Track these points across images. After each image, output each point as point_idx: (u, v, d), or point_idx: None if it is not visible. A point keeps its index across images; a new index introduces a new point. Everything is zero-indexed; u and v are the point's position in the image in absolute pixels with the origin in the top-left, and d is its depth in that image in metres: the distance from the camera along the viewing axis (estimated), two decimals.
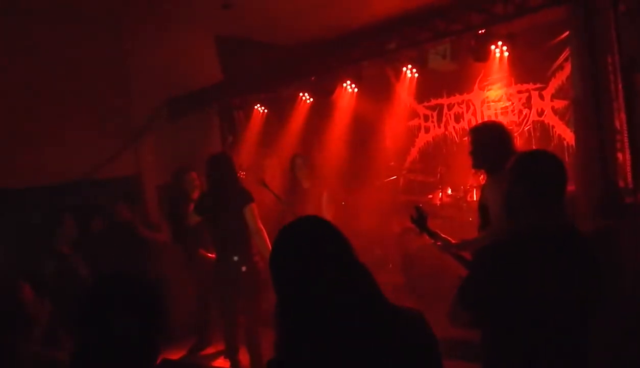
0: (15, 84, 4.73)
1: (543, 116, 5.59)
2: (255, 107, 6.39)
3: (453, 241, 2.88)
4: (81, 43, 5.21)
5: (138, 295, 1.33)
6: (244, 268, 3.79)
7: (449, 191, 5.75)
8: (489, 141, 2.96)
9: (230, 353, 4.12)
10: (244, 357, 4.10)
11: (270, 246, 3.91)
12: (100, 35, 5.44)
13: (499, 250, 1.90)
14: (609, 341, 2.24)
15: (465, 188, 5.57)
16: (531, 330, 1.79)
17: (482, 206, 2.99)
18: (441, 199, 5.71)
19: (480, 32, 4.42)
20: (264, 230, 3.85)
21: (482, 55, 4.64)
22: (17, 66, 4.75)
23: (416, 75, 5.78)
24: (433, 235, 2.84)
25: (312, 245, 1.33)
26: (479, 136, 3.04)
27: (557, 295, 1.79)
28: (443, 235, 2.87)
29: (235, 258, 3.80)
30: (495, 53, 4.85)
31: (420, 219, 2.83)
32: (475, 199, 5.30)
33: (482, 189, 3.11)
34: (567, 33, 4.63)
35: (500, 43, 4.71)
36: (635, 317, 2.22)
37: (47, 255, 3.97)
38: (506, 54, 4.90)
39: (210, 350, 4.93)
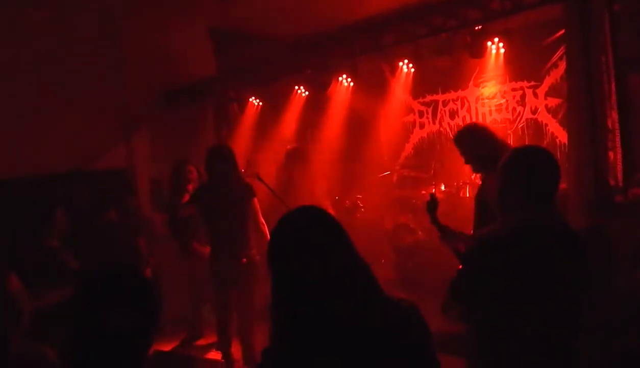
0: (5, 74, 4.67)
1: (537, 114, 5.62)
2: (250, 99, 6.36)
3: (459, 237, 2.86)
4: (74, 33, 5.16)
5: (132, 287, 1.33)
6: (244, 261, 3.81)
7: (443, 187, 5.78)
8: (477, 143, 3.00)
9: (223, 346, 4.13)
10: (236, 350, 4.12)
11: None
12: (93, 26, 5.39)
13: (490, 244, 1.91)
14: (600, 336, 2.27)
15: (458, 184, 5.60)
16: (520, 324, 1.81)
17: (482, 202, 2.99)
18: (434, 195, 5.73)
19: (476, 28, 4.43)
20: (265, 225, 3.87)
21: (478, 51, 4.65)
22: (8, 56, 4.69)
23: (412, 70, 5.79)
24: (441, 227, 2.84)
25: (310, 235, 1.32)
26: (465, 143, 3.09)
27: (547, 290, 1.81)
28: (451, 229, 2.87)
29: (235, 251, 3.81)
30: (491, 50, 4.87)
31: (432, 206, 2.84)
32: (468, 195, 5.34)
33: (483, 185, 3.11)
34: (562, 31, 4.66)
35: (496, 40, 4.73)
36: (626, 312, 2.26)
37: (34, 247, 3.92)
38: (502, 50, 4.91)
39: (202, 342, 4.93)
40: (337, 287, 1.29)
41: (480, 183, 3.36)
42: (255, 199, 3.92)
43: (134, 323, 1.28)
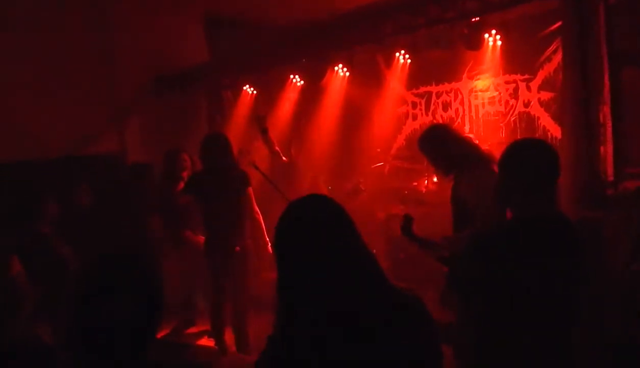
0: None
1: (529, 107, 5.64)
2: (244, 88, 6.31)
3: (438, 243, 2.87)
4: (67, 18, 5.09)
5: (136, 274, 1.31)
6: (237, 249, 3.81)
7: (435, 179, 5.81)
8: (442, 143, 2.97)
9: (216, 334, 4.14)
10: (229, 337, 4.13)
11: (264, 230, 3.96)
12: (85, 11, 5.32)
13: (491, 236, 1.93)
14: (598, 329, 2.31)
15: (450, 176, 5.63)
16: (519, 317, 1.83)
17: (459, 201, 2.96)
18: (427, 186, 5.77)
19: (473, 20, 4.42)
20: (259, 214, 3.89)
21: (475, 43, 4.65)
22: None
23: (409, 61, 5.77)
24: (420, 241, 2.84)
25: (317, 223, 1.32)
26: (429, 146, 3.05)
27: (547, 283, 1.83)
28: (430, 240, 2.87)
29: (229, 240, 3.81)
30: (488, 42, 4.86)
31: (407, 226, 2.82)
32: None
33: (456, 186, 3.03)
34: (557, 25, 4.68)
35: (493, 32, 4.72)
36: (624, 305, 2.31)
37: (25, 233, 3.87)
38: (499, 43, 4.91)
39: (193, 330, 4.93)
40: (343, 275, 1.29)
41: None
42: (250, 189, 3.93)
43: (137, 309, 1.26)
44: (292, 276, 1.32)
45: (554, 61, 5.19)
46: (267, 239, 4.03)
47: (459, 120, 6.14)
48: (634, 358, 2.04)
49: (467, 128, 6.05)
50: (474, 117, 6.06)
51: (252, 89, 6.33)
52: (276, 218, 1.38)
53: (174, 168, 4.63)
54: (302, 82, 6.14)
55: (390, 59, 5.93)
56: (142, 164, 4.95)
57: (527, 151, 1.99)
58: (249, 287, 3.99)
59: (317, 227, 1.32)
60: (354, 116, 6.61)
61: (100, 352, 1.25)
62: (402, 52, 5.58)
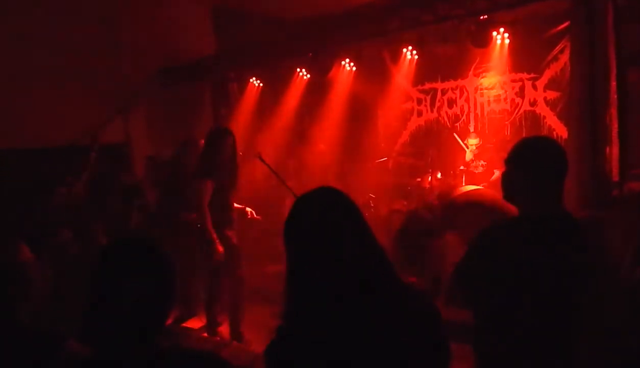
0: (5, 50, 4.61)
1: (535, 106, 5.64)
2: (251, 80, 6.31)
3: None
4: (72, 9, 5.08)
5: (152, 258, 1.31)
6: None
7: (439, 176, 5.82)
8: None
9: (210, 324, 4.17)
10: (224, 329, 4.15)
11: (209, 226, 3.77)
12: (92, 1, 5.31)
13: (496, 233, 1.93)
14: (601, 334, 2.31)
15: (455, 173, 5.64)
16: (520, 313, 1.84)
17: None
18: (430, 182, 5.77)
19: (482, 17, 4.41)
20: (205, 209, 3.74)
21: (482, 41, 4.63)
22: (6, 29, 4.62)
23: (416, 57, 5.76)
24: None
25: (328, 216, 1.31)
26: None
27: (548, 281, 1.84)
28: None
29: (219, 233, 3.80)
30: (496, 40, 4.85)
31: None
32: (464, 184, 5.38)
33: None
34: (564, 25, 4.67)
35: (502, 30, 4.71)
36: (627, 310, 2.32)
37: (31, 219, 3.91)
38: (507, 41, 4.90)
39: (194, 322, 4.94)
40: (352, 270, 1.29)
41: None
42: (198, 181, 3.81)
43: (153, 293, 1.26)
44: (301, 269, 1.32)
45: (560, 60, 5.18)
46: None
47: (464, 117, 6.14)
48: (635, 360, 2.05)
49: (471, 126, 6.05)
50: (479, 115, 6.05)
51: (258, 81, 6.33)
52: (283, 212, 1.38)
53: (187, 158, 4.62)
54: (308, 75, 6.13)
55: (396, 55, 5.92)
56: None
57: (534, 149, 1.98)
58: (243, 280, 3.97)
59: (327, 220, 1.31)
60: (360, 111, 6.60)
61: (115, 337, 1.25)
62: (410, 48, 5.57)
